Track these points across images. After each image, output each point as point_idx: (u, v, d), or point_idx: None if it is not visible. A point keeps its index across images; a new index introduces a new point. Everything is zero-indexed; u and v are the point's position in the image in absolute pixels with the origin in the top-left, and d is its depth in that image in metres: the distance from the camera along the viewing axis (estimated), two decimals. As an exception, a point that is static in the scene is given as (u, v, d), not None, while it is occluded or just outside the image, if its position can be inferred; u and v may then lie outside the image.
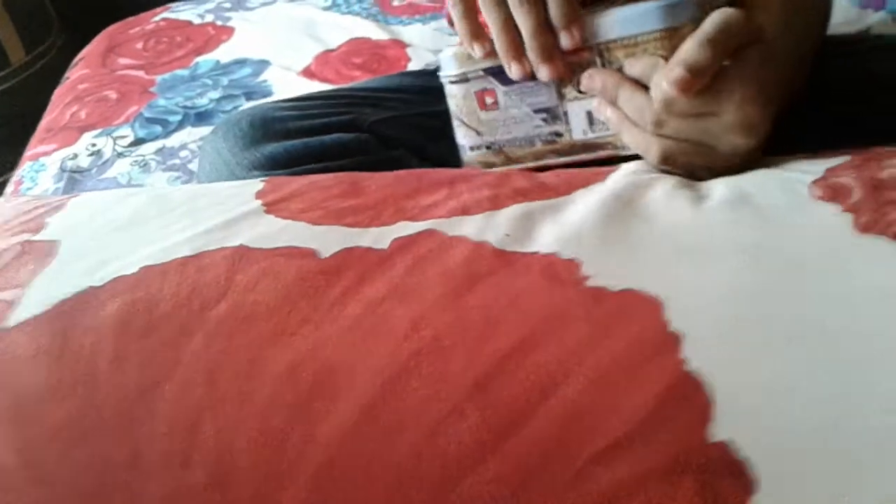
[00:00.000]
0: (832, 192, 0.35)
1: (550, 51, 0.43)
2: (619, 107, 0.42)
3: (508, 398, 0.28)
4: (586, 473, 0.26)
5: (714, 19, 0.38)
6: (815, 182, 0.36)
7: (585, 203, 0.38)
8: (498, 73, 0.47)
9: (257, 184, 0.45)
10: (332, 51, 0.95)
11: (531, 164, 0.48)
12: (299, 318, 0.33)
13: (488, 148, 0.49)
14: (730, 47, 0.38)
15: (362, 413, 0.28)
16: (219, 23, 1.11)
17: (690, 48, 0.37)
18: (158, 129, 0.90)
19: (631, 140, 0.42)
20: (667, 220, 0.36)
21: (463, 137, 0.50)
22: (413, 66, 0.89)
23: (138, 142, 0.88)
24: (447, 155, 0.54)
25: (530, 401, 0.28)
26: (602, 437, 0.27)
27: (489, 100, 0.48)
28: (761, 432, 0.26)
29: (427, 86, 0.64)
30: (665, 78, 0.38)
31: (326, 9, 1.07)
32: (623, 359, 0.29)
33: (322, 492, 0.27)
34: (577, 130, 0.46)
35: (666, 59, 0.40)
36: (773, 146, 0.41)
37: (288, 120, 0.56)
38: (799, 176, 0.37)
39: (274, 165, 0.54)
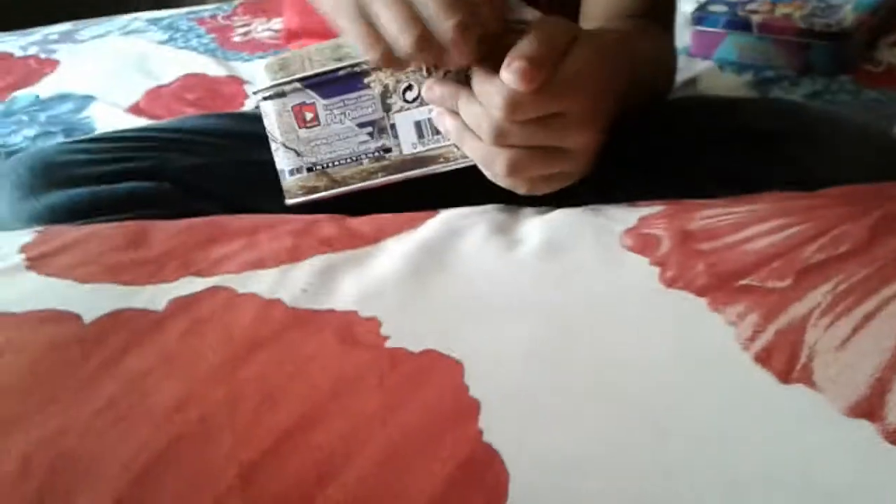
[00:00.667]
0: (642, 243, 0.33)
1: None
2: (458, 116, 0.39)
3: (279, 489, 0.24)
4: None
5: (538, 20, 0.37)
6: (626, 231, 0.34)
7: (392, 255, 0.35)
8: (317, 84, 0.43)
9: (27, 234, 0.39)
10: (164, 86, 0.89)
11: (359, 186, 0.44)
12: (44, 397, 0.28)
13: (310, 170, 0.45)
14: (559, 41, 0.37)
15: (98, 518, 0.24)
16: (42, 56, 1.03)
17: (523, 44, 0.36)
18: None
19: (473, 152, 0.39)
20: (473, 274, 0.34)
21: (282, 161, 0.45)
22: (250, 104, 0.84)
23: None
24: (265, 208, 0.50)
25: (304, 491, 0.24)
26: (389, 528, 0.24)
27: (308, 115, 0.44)
28: (559, 514, 0.24)
29: (249, 131, 0.59)
30: (505, 71, 0.36)
31: (162, 43, 1.01)
32: (416, 432, 0.26)
33: None
34: (407, 144, 0.43)
35: None
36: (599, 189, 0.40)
37: (74, 165, 0.49)
38: (612, 225, 0.35)
39: (55, 218, 0.47)
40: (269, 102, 0.44)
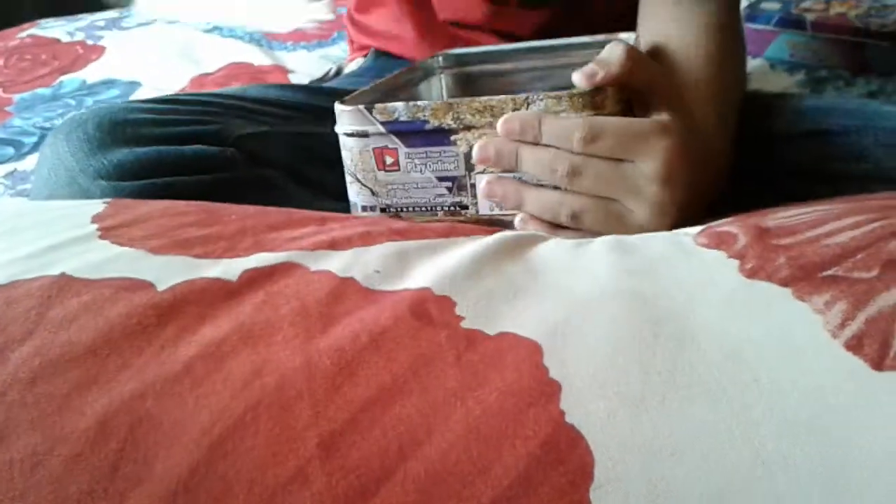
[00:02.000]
0: (717, 239, 0.33)
1: None
2: (520, 174, 0.40)
3: (360, 460, 0.24)
4: (448, 549, 0.22)
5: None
6: (699, 233, 0.34)
7: (464, 247, 0.35)
8: (402, 132, 0.43)
9: (97, 205, 0.39)
10: (209, 74, 0.90)
11: None
12: (119, 362, 0.28)
13: (383, 210, 0.45)
14: (629, 58, 0.37)
15: (182, 480, 0.24)
16: (89, 42, 1.04)
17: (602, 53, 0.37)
18: (11, 150, 0.82)
19: (538, 203, 0.40)
20: (547, 264, 0.33)
21: (355, 195, 0.45)
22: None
23: (-12, 163, 0.80)
24: (327, 180, 0.50)
25: (386, 463, 0.24)
26: (474, 501, 0.24)
27: (389, 160, 0.43)
28: (643, 500, 0.23)
29: (307, 102, 0.59)
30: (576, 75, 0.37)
31: (207, 31, 1.02)
32: (496, 411, 0.26)
33: (120, 580, 0.22)
34: (484, 205, 0.43)
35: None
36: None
37: (142, 124, 0.49)
38: (682, 231, 0.35)
39: (122, 175, 0.47)
40: (350, 139, 0.44)
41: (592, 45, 0.54)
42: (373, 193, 0.44)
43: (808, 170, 0.46)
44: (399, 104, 0.42)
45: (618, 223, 0.39)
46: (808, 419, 0.24)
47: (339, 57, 0.89)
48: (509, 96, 0.41)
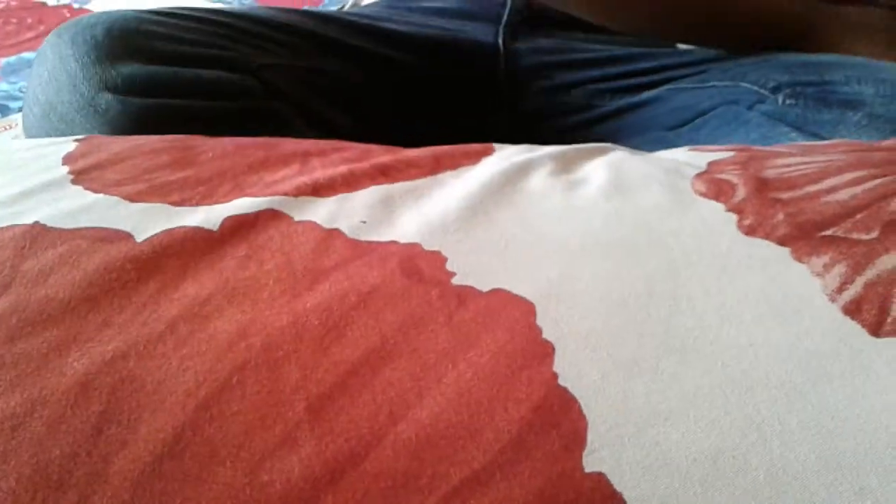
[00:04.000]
0: (716, 188, 0.32)
1: None
2: None
3: (349, 424, 0.24)
4: (439, 515, 0.22)
5: None
6: (697, 176, 0.33)
7: (452, 191, 0.34)
8: None
9: (68, 143, 0.38)
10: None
11: None
12: (99, 319, 0.27)
13: None
14: None
15: (167, 444, 0.23)
16: (76, 5, 1.00)
17: None
18: None
19: None
20: (540, 212, 0.32)
21: None
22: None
23: (-27, 129, 0.77)
24: (340, 122, 0.48)
25: (375, 427, 0.24)
26: (458, 469, 0.23)
27: None
28: (636, 465, 0.23)
29: (318, 32, 0.56)
30: None
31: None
32: (488, 373, 0.25)
33: (107, 549, 0.21)
34: None
35: None
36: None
37: (155, 37, 0.46)
38: (680, 168, 0.34)
39: (131, 90, 0.44)
40: None
41: None
42: None
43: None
44: None
45: None
46: (803, 384, 0.24)
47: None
48: None
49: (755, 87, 0.50)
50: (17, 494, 0.22)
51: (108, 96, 0.44)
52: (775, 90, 0.49)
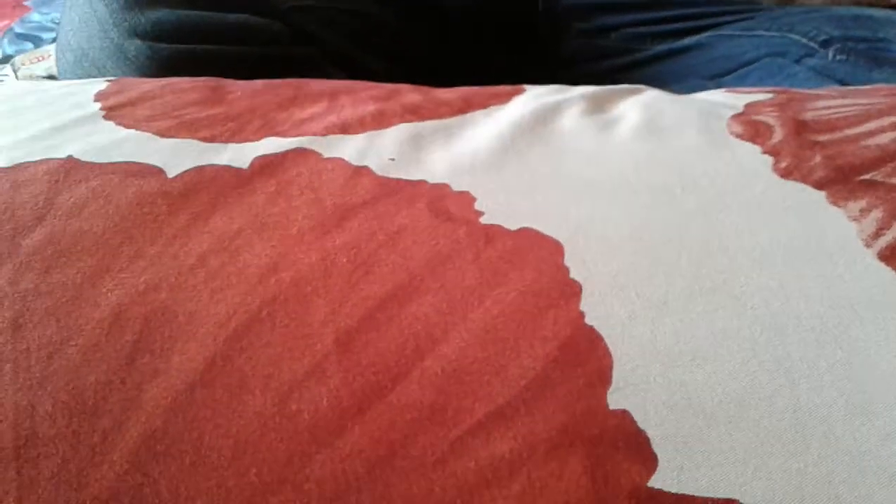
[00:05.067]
0: (752, 130, 0.31)
1: None
2: None
3: (376, 357, 0.24)
4: (460, 448, 0.23)
5: None
6: (734, 116, 0.32)
7: (482, 129, 0.33)
8: None
9: (100, 83, 0.38)
10: None
11: None
12: (132, 251, 0.27)
13: None
14: None
15: (198, 373, 0.24)
16: None
17: None
18: (30, 45, 0.79)
19: None
20: (571, 152, 0.32)
21: None
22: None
23: (5, 59, 0.78)
24: (370, 65, 0.47)
25: (402, 360, 0.24)
26: (482, 403, 0.23)
27: None
28: (661, 404, 0.23)
29: None
30: None
31: None
32: (514, 311, 0.25)
33: (141, 471, 0.22)
34: None
35: None
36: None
37: None
38: (717, 109, 0.33)
39: (159, 35, 0.44)
40: None
41: None
42: None
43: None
44: None
45: None
46: (834, 328, 0.24)
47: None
48: None
49: (804, 40, 0.49)
50: (53, 418, 0.23)
51: (138, 42, 0.44)
52: (825, 44, 0.47)
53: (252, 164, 0.31)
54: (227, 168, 0.31)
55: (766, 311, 0.24)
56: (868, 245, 0.25)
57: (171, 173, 0.30)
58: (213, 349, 0.24)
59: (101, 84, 0.37)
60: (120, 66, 0.43)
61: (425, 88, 0.37)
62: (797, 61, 0.47)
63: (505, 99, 0.36)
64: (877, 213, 0.26)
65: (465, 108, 0.35)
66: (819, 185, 0.28)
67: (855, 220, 0.26)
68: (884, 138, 0.29)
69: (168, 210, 0.29)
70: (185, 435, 0.22)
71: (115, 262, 0.27)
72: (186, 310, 0.25)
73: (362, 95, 0.36)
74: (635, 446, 0.22)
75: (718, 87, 0.37)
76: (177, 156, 0.31)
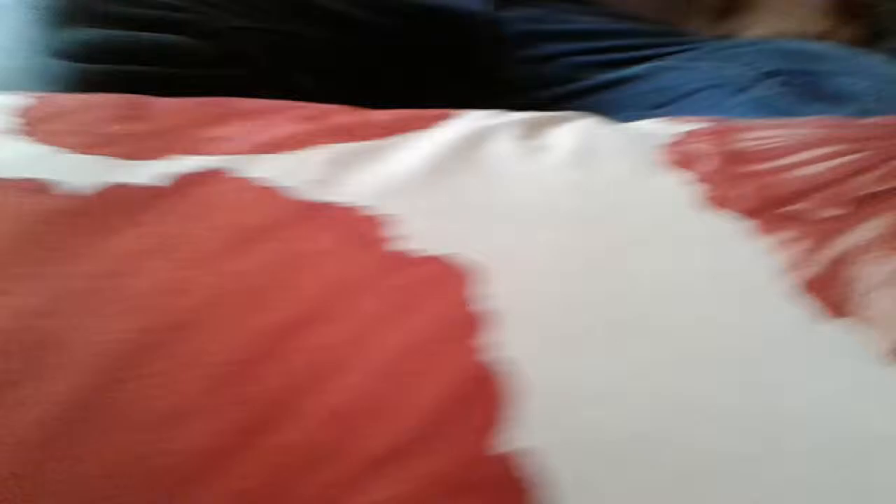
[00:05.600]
0: (686, 159, 0.30)
1: None
2: None
3: (266, 391, 0.23)
4: (350, 491, 0.21)
5: None
6: (669, 146, 0.31)
7: (412, 152, 0.32)
8: None
9: (28, 99, 0.36)
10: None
11: None
12: (21, 271, 0.26)
13: None
14: None
15: (67, 406, 0.22)
16: None
17: None
18: None
19: None
20: (499, 177, 0.31)
21: None
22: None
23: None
24: (307, 87, 0.46)
25: (293, 396, 0.23)
26: (381, 441, 0.22)
27: None
28: (567, 443, 0.22)
29: None
30: None
31: None
32: (416, 344, 0.24)
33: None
34: None
35: None
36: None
37: (115, 0, 0.45)
38: (651, 138, 0.32)
39: (89, 56, 0.42)
40: None
41: None
42: None
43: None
44: None
45: None
46: (747, 366, 0.23)
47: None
48: None
49: (746, 71, 0.48)
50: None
51: (65, 62, 0.43)
52: (766, 76, 0.47)
53: (169, 183, 0.30)
54: (142, 186, 0.30)
55: (680, 348, 0.23)
56: (793, 277, 0.24)
57: (79, 190, 0.29)
58: (89, 380, 0.23)
59: (28, 100, 0.36)
60: (45, 87, 0.42)
61: (358, 110, 0.36)
62: (736, 93, 0.47)
63: (439, 122, 0.35)
64: (803, 245, 0.25)
65: (396, 129, 0.34)
66: (750, 214, 0.27)
67: (781, 250, 0.25)
68: (813, 169, 0.28)
69: (70, 229, 0.27)
70: (49, 475, 0.21)
71: (8, 284, 0.25)
72: (69, 336, 0.24)
73: (292, 115, 0.35)
74: (524, 489, 0.21)
75: (660, 116, 0.36)
76: (88, 173, 0.30)
